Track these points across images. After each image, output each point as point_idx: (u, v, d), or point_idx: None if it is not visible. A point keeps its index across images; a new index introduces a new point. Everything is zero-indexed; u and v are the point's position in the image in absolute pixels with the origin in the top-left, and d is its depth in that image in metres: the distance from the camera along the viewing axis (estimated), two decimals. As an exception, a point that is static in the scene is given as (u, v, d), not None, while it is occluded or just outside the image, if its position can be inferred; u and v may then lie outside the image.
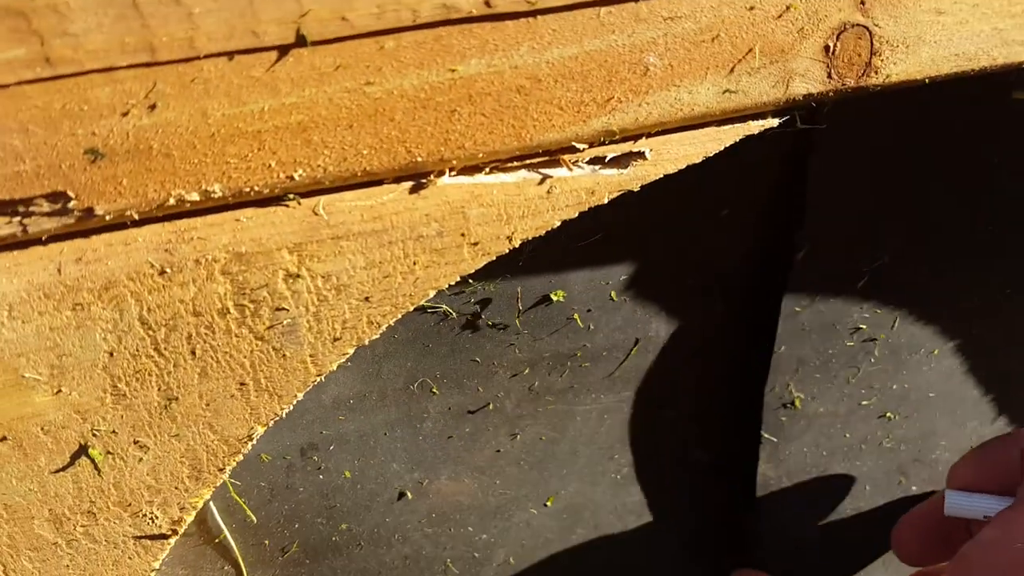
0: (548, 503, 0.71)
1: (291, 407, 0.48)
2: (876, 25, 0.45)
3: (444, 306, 0.62)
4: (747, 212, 0.65)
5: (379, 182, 0.43)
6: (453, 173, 0.44)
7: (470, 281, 0.59)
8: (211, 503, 0.64)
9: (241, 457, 0.49)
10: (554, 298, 0.64)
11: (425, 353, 0.64)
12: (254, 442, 0.48)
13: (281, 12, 0.37)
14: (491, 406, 0.67)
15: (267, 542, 0.67)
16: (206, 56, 0.37)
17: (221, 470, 0.49)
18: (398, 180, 0.43)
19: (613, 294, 0.65)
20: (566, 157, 0.45)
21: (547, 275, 0.63)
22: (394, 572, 0.71)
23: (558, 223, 0.47)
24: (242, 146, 0.39)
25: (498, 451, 0.69)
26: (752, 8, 0.43)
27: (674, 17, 0.42)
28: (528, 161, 0.45)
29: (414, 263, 0.45)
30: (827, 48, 0.45)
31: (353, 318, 0.45)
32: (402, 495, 0.68)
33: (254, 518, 0.64)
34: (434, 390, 0.65)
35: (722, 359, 0.70)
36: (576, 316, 0.65)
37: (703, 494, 0.75)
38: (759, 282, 0.68)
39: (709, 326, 0.69)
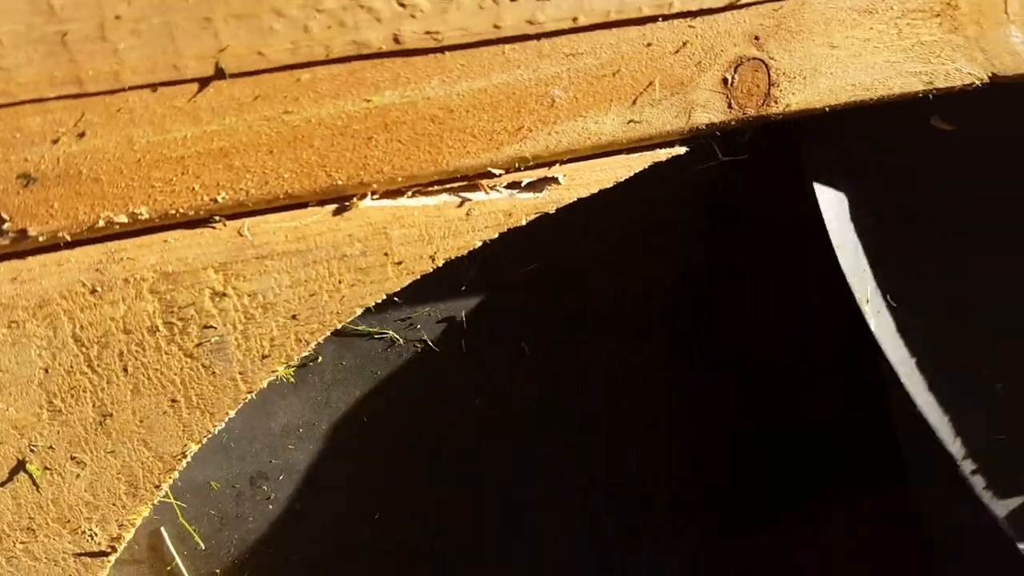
0: (505, 553, 0.70)
1: (222, 424, 0.49)
2: (771, 58, 0.48)
3: (391, 333, 0.64)
4: (685, 249, 0.67)
5: (303, 205, 0.46)
6: (376, 196, 0.47)
7: (395, 298, 0.61)
8: (163, 529, 0.65)
9: (176, 474, 0.50)
10: (500, 327, 0.65)
11: (374, 381, 0.66)
12: (188, 459, 0.50)
13: (200, 48, 0.40)
14: (444, 442, 0.67)
15: (218, 571, 0.67)
16: (131, 88, 0.40)
17: (157, 487, 0.50)
18: (322, 203, 0.46)
19: (559, 326, 0.66)
20: (484, 182, 0.48)
21: (491, 302, 0.65)
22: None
23: (479, 243, 0.49)
24: (166, 171, 0.42)
25: (453, 490, 0.69)
26: (650, 44, 0.46)
27: (575, 54, 0.45)
28: (448, 185, 0.48)
29: (339, 281, 0.47)
30: (725, 80, 0.48)
31: (281, 336, 0.47)
32: (354, 529, 0.68)
33: (203, 545, 0.65)
34: (385, 420, 0.66)
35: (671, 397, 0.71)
36: (524, 346, 0.66)
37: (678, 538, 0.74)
38: (706, 316, 0.70)
39: (658, 365, 0.70)
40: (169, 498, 0.61)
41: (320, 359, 0.63)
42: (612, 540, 0.70)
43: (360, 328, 0.62)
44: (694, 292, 0.69)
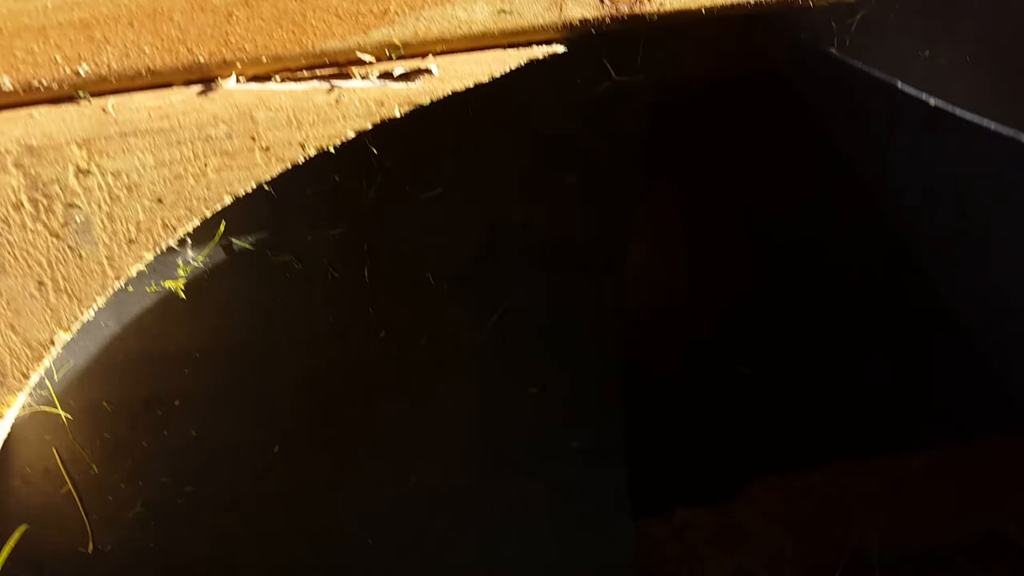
0: (409, 483, 0.72)
1: (91, 312, 0.51)
2: (642, -46, 0.51)
3: (290, 256, 0.66)
4: (593, 180, 0.70)
5: (169, 86, 0.49)
6: (243, 79, 0.49)
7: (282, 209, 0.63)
8: (55, 451, 0.66)
9: (46, 364, 0.52)
10: (404, 255, 0.68)
11: (275, 308, 0.68)
12: (57, 349, 0.52)
13: (57, -88, 0.43)
14: (347, 371, 0.70)
15: (111, 498, 0.69)
16: (-11, -49, 0.43)
17: (26, 376, 0.52)
18: (187, 84, 0.49)
19: (466, 253, 0.69)
20: (355, 69, 0.51)
21: (395, 228, 0.67)
22: (246, 547, 0.72)
23: (352, 134, 0.51)
24: (28, 40, 0.45)
25: (359, 423, 0.71)
26: (515, -68, 0.49)
27: (440, -63, 0.48)
28: (318, 72, 0.50)
29: (205, 165, 0.49)
30: (596, -27, 0.51)
31: (147, 220, 0.50)
32: (253, 461, 0.70)
33: (96, 468, 0.67)
34: (286, 350, 0.69)
35: (587, 332, 0.73)
36: (429, 276, 0.68)
37: (583, 487, 0.75)
38: (612, 250, 0.72)
39: (568, 296, 0.72)
40: (58, 410, 0.63)
41: (214, 278, 0.65)
42: (519, 472, 0.72)
43: (257, 248, 0.65)
44: (609, 222, 0.71)
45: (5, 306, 0.50)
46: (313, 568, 0.71)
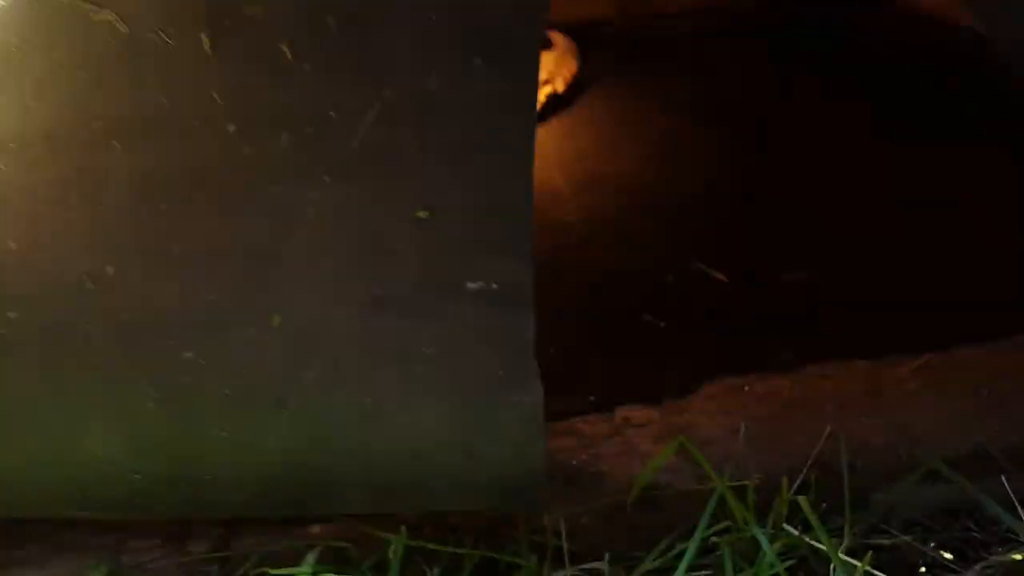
0: (273, 323, 0.61)
1: None
2: None
3: (111, 14, 0.54)
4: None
5: None
6: None
7: None
8: None
9: None
10: (255, 19, 0.56)
11: (110, 85, 0.56)
12: None
13: None
14: (190, 175, 0.58)
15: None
16: None
17: None
18: None
19: (331, 21, 0.56)
20: None
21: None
22: (80, 387, 0.61)
23: None
24: None
25: (208, 243, 0.60)
26: None
27: None
28: None
29: None
30: None
31: None
32: (84, 283, 0.60)
33: None
34: (113, 143, 0.57)
35: (496, 140, 0.61)
36: (285, 49, 0.56)
37: (483, 339, 0.64)
38: (524, 42, 0.60)
39: (470, 95, 0.60)
40: None
41: (24, 43, 0.54)
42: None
43: (73, 1, 0.53)
44: None
45: None
46: (156, 414, 0.61)
